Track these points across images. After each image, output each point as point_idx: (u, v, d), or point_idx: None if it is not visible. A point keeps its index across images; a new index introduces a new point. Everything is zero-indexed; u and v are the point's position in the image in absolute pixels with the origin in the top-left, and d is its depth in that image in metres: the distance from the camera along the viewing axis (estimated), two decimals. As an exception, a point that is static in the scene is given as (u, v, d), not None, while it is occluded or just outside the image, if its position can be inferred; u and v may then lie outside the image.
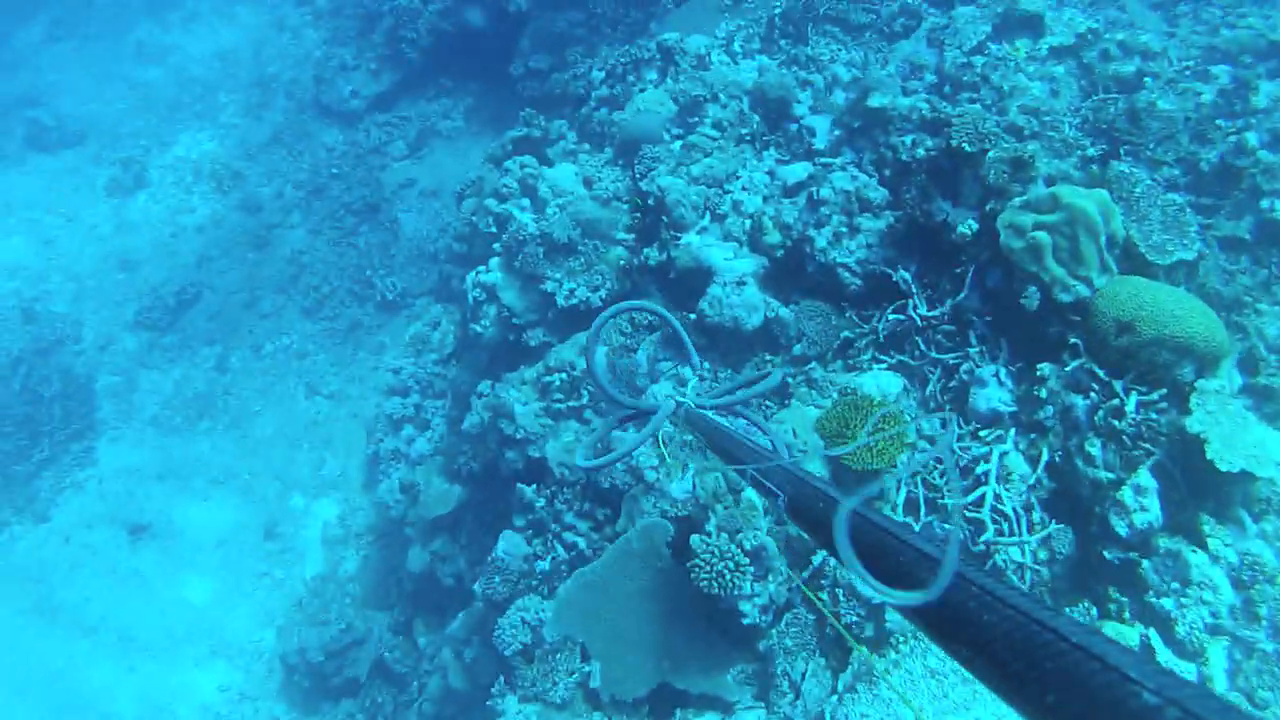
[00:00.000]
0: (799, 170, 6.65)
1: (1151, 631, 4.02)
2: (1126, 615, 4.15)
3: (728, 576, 4.48)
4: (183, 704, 9.44)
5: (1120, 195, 5.01)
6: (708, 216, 6.62)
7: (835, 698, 4.58)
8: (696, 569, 4.55)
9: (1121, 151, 6.01)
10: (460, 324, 9.62)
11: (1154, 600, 4.08)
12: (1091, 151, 5.70)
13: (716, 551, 4.53)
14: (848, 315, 5.89)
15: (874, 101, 6.52)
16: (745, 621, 4.74)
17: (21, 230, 13.05)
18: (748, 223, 6.55)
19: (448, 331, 9.53)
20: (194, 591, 10.07)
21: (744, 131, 7.12)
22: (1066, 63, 7.07)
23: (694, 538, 4.75)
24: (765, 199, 6.65)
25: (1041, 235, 4.64)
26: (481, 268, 7.80)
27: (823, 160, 6.73)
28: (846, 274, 5.87)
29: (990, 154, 5.06)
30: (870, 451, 4.67)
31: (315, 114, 13.65)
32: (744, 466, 1.99)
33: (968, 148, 5.00)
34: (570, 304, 7.25)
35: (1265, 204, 5.41)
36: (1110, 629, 4.08)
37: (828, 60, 7.76)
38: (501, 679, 5.99)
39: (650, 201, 6.94)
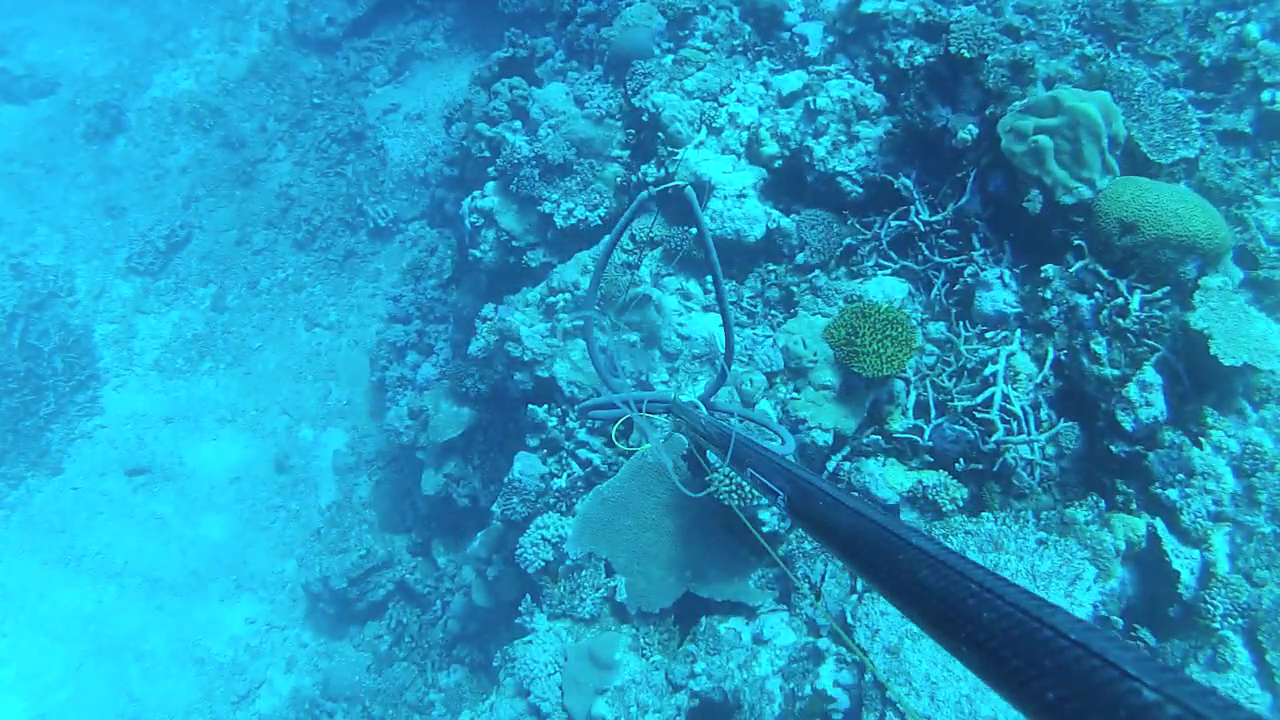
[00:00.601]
0: (794, 80, 6.60)
1: (1158, 521, 4.20)
2: (1134, 506, 4.32)
3: (747, 488, 4.62)
4: (213, 638, 9.71)
5: (1121, 95, 5.01)
6: (704, 130, 6.59)
7: (855, 597, 4.78)
8: (715, 484, 4.69)
9: (1119, 48, 5.98)
10: (457, 248, 9.60)
11: (1160, 491, 4.25)
12: (1090, 50, 5.66)
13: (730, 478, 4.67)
14: (850, 223, 5.93)
15: (867, 7, 6.44)
16: (764, 529, 4.91)
17: (2, 185, 12.82)
18: (745, 135, 6.52)
19: (445, 257, 9.51)
20: (212, 529, 10.25)
21: (736, 42, 7.03)
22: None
23: (711, 453, 4.88)
24: (761, 110, 6.62)
25: (1043, 139, 4.67)
26: (477, 193, 7.76)
27: (816, 69, 6.67)
28: (847, 182, 5.89)
29: (989, 58, 5.04)
30: (880, 358, 4.77)
31: (292, 44, 13.32)
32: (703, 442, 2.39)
33: (966, 53, 4.97)
34: (569, 224, 7.26)
35: (1266, 96, 5.41)
36: (1118, 520, 4.26)
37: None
38: (528, 596, 6.20)
39: (644, 118, 6.88)
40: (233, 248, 11.68)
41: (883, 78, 6.36)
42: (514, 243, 7.55)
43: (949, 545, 3.88)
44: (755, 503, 4.84)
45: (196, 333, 11.27)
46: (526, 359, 7.00)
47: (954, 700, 4.21)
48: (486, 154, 7.78)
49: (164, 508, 10.29)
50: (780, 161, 6.32)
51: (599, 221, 7.14)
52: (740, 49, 7.02)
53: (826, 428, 4.94)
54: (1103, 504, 4.42)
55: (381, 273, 11.56)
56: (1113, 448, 4.43)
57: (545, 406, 6.94)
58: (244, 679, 9.53)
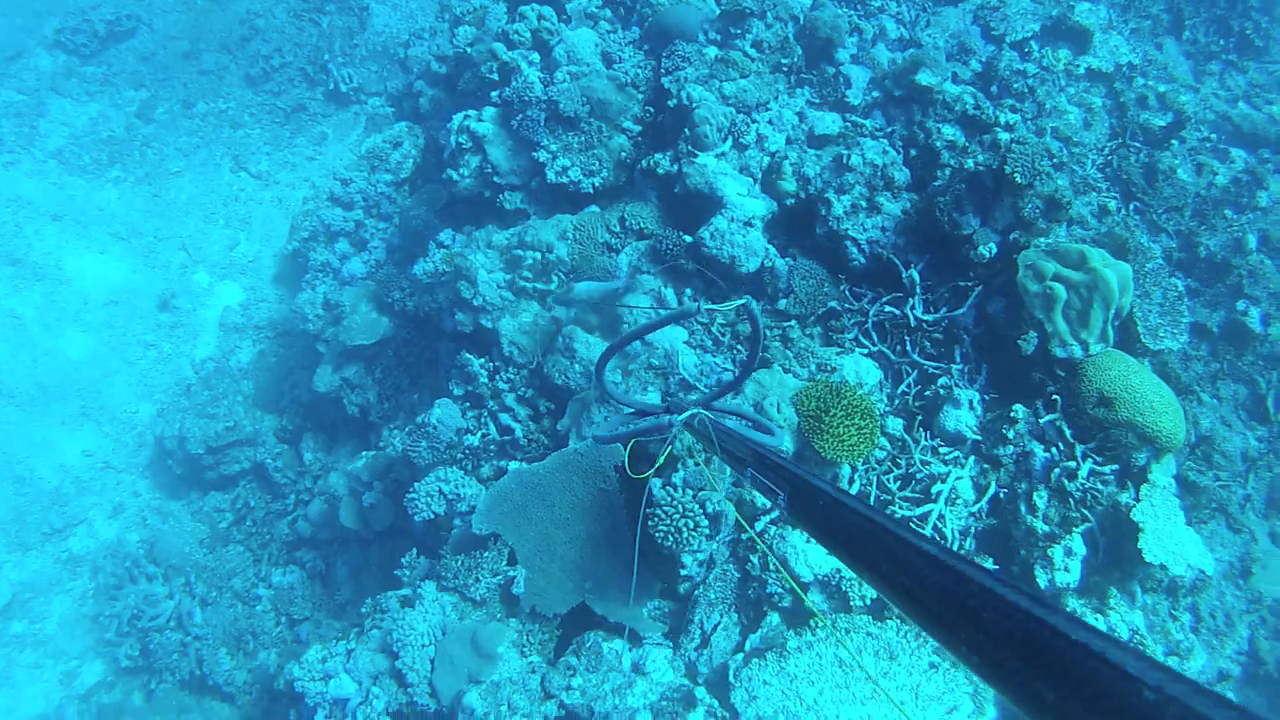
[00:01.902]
0: (829, 122, 6.52)
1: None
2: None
3: (684, 534, 4.62)
4: (43, 460, 9.09)
5: (1135, 264, 5.19)
6: (729, 142, 6.44)
7: (740, 656, 4.88)
8: (655, 519, 4.66)
9: (1131, 207, 6.18)
10: (424, 151, 9.12)
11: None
12: (1112, 205, 5.84)
13: (680, 508, 4.64)
14: (841, 288, 5.95)
15: (923, 78, 6.40)
16: (684, 573, 4.94)
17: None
18: (766, 160, 6.42)
19: (409, 155, 9.02)
20: (73, 347, 9.53)
21: (784, 60, 6.87)
22: (1099, 89, 7.11)
23: (656, 486, 4.85)
24: (789, 141, 6.52)
25: (1059, 288, 4.78)
26: (473, 114, 7.36)
27: (854, 118, 6.61)
28: (854, 249, 5.89)
29: (1034, 186, 5.11)
30: (842, 443, 4.83)
31: None
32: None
33: (1019, 179, 5.02)
34: (560, 181, 6.98)
35: (1240, 305, 5.73)
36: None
37: (877, 8, 7.51)
38: (415, 552, 6.06)
39: (672, 103, 6.66)
40: (179, 59, 10.71)
41: (913, 152, 6.38)
42: (496, 178, 7.22)
43: (853, 635, 3.97)
44: (687, 549, 4.85)
45: (113, 134, 10.33)
46: (476, 304, 6.75)
47: (812, 790, 4.38)
48: (495, 77, 7.37)
49: (25, 309, 9.48)
50: (793, 200, 6.26)
51: (590, 190, 6.90)
52: (785, 69, 6.88)
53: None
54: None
55: (327, 137, 10.88)
56: (1024, 599, 4.66)
57: (482, 360, 6.74)
58: (63, 512, 8.99)
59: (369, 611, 5.61)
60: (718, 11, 7.10)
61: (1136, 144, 6.66)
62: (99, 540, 8.97)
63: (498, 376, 6.69)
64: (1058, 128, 6.52)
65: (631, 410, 3.57)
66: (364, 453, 7.80)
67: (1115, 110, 6.94)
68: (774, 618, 4.98)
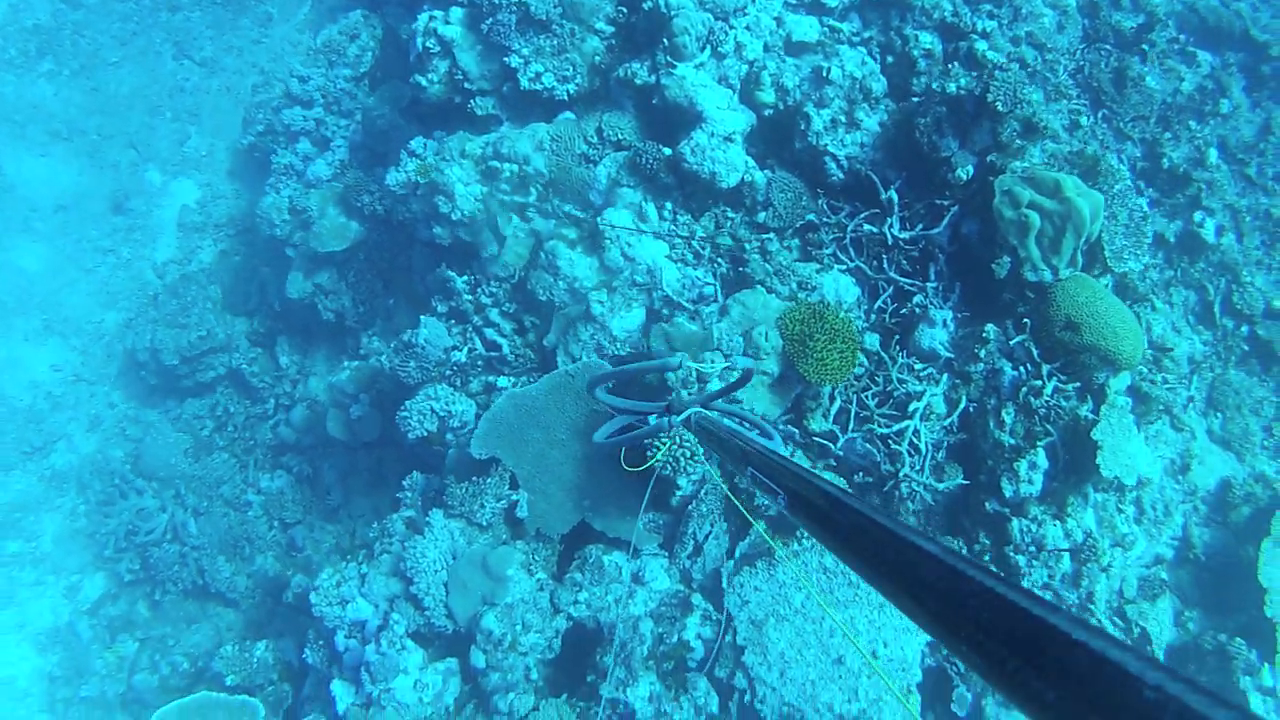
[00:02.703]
0: (807, 28, 6.63)
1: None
2: (986, 558, 5.22)
3: (682, 463, 5.11)
4: (10, 379, 9.26)
5: (1100, 186, 5.56)
6: (708, 51, 6.56)
7: (732, 563, 5.47)
8: (655, 449, 5.13)
9: (1099, 114, 6.50)
10: (383, 43, 9.00)
11: (1010, 553, 5.14)
12: (1084, 120, 6.14)
13: (672, 436, 5.11)
14: (820, 202, 6.26)
15: (902, -19, 6.52)
16: (679, 492, 5.45)
17: None
18: (744, 69, 6.57)
19: (367, 48, 8.91)
20: (26, 258, 9.54)
21: (759, -42, 6.90)
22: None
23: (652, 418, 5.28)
24: (767, 49, 6.65)
25: (1033, 215, 5.16)
26: (439, 14, 7.31)
27: (832, 22, 6.73)
28: (833, 164, 6.17)
29: (1014, 113, 5.40)
30: (824, 367, 5.28)
31: None
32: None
33: (1000, 106, 5.29)
34: (533, 88, 7.07)
35: (1198, 216, 6.16)
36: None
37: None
38: (415, 474, 6.49)
39: (647, 5, 6.71)
40: (102, -65, 10.24)
41: (890, 59, 6.57)
42: (466, 84, 7.27)
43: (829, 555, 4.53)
44: (680, 473, 5.35)
45: (39, 23, 9.97)
46: (455, 218, 6.95)
47: (800, 681, 5.06)
48: (460, -26, 7.29)
49: (-31, 220, 9.43)
50: (771, 112, 6.46)
51: (565, 97, 7.00)
52: (761, -32, 6.91)
53: (756, 412, 5.46)
54: (963, 549, 5.29)
55: (272, 18, 10.59)
56: (987, 504, 5.26)
57: (465, 276, 7.00)
58: (40, 429, 9.27)
59: (376, 536, 6.09)
60: (690, -99, 7.03)
61: (1108, 46, 6.89)
62: (80, 454, 9.30)
63: (479, 290, 6.98)
64: (1033, 32, 6.70)
65: (632, 413, 3.66)
66: (346, 363, 8.12)
67: (1089, 9, 7.13)
68: (760, 524, 5.55)
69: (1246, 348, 6.60)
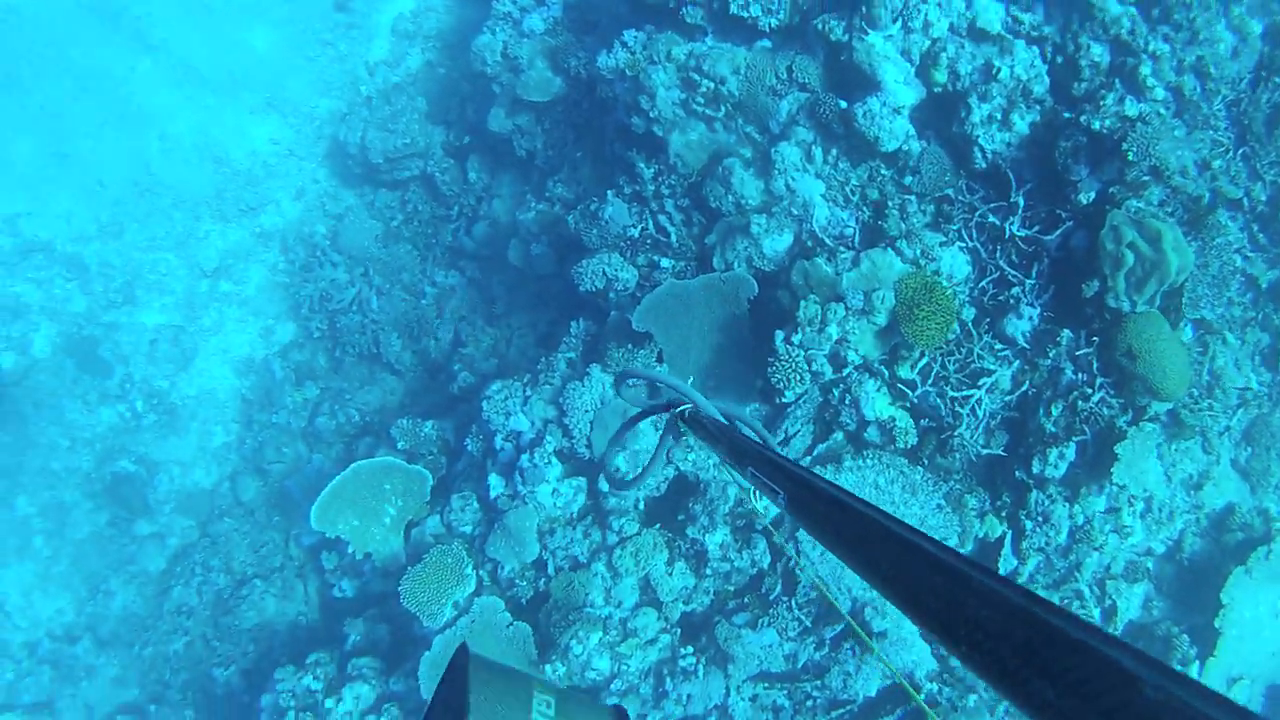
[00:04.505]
0: (993, 16, 7.96)
1: (1010, 533, 7.17)
2: (1003, 515, 7.24)
3: (792, 381, 7.15)
4: (235, 145, 11.59)
5: (1205, 239, 7.10)
6: (899, 25, 8.00)
7: (809, 459, 7.61)
8: (774, 366, 7.16)
9: (1240, 152, 7.85)
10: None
11: (1022, 516, 7.16)
12: (1216, 162, 7.50)
13: (792, 363, 7.13)
14: (960, 181, 7.89)
15: (1090, -9, 7.76)
16: (783, 400, 7.53)
17: None
18: (926, 45, 8.01)
19: (594, -88, 10.35)
20: (257, 38, 11.61)
21: (970, -65, 8.13)
22: (1273, 9, 8.29)
23: (779, 339, 7.28)
24: (951, 28, 8.05)
25: (1128, 254, 6.78)
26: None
27: (1015, 10, 8.04)
28: (979, 154, 7.74)
29: (1142, 164, 6.89)
30: (923, 334, 7.15)
31: None
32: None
33: (1131, 156, 6.79)
34: (739, 14, 8.58)
35: (1310, 269, 7.63)
36: (990, 519, 7.20)
37: None
38: (581, 320, 8.66)
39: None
40: None
41: (1059, 59, 7.93)
42: (682, -8, 8.83)
43: (890, 470, 6.69)
44: (789, 387, 7.40)
45: None
46: (651, 115, 8.73)
47: (834, 562, 7.31)
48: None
49: (213, -1, 11.48)
50: (940, 90, 7.97)
51: (766, 29, 8.52)
52: (969, -56, 8.16)
53: (860, 351, 7.42)
54: (987, 502, 7.32)
55: None
56: (1017, 472, 7.24)
57: (651, 167, 8.85)
58: (255, 192, 11.68)
59: (542, 369, 8.36)
60: None
61: (1277, 79, 8.05)
62: (286, 219, 11.73)
63: (660, 181, 8.86)
64: (1203, 58, 7.91)
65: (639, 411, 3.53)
66: (533, 203, 10.16)
67: (1272, 36, 8.22)
68: (839, 435, 7.63)
69: (1301, 395, 8.13)
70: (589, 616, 7.58)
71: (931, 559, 1.18)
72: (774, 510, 7.60)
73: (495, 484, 8.36)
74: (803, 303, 7.44)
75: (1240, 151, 7.89)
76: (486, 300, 11.04)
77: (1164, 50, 7.67)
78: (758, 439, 2.70)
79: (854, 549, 1.39)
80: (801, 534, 7.55)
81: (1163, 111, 7.26)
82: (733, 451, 2.29)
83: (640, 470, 3.56)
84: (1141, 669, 0.84)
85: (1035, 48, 7.94)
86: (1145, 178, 7.02)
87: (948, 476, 7.40)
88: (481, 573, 8.14)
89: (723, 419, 2.84)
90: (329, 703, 8.41)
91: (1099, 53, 7.71)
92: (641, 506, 7.97)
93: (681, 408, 3.00)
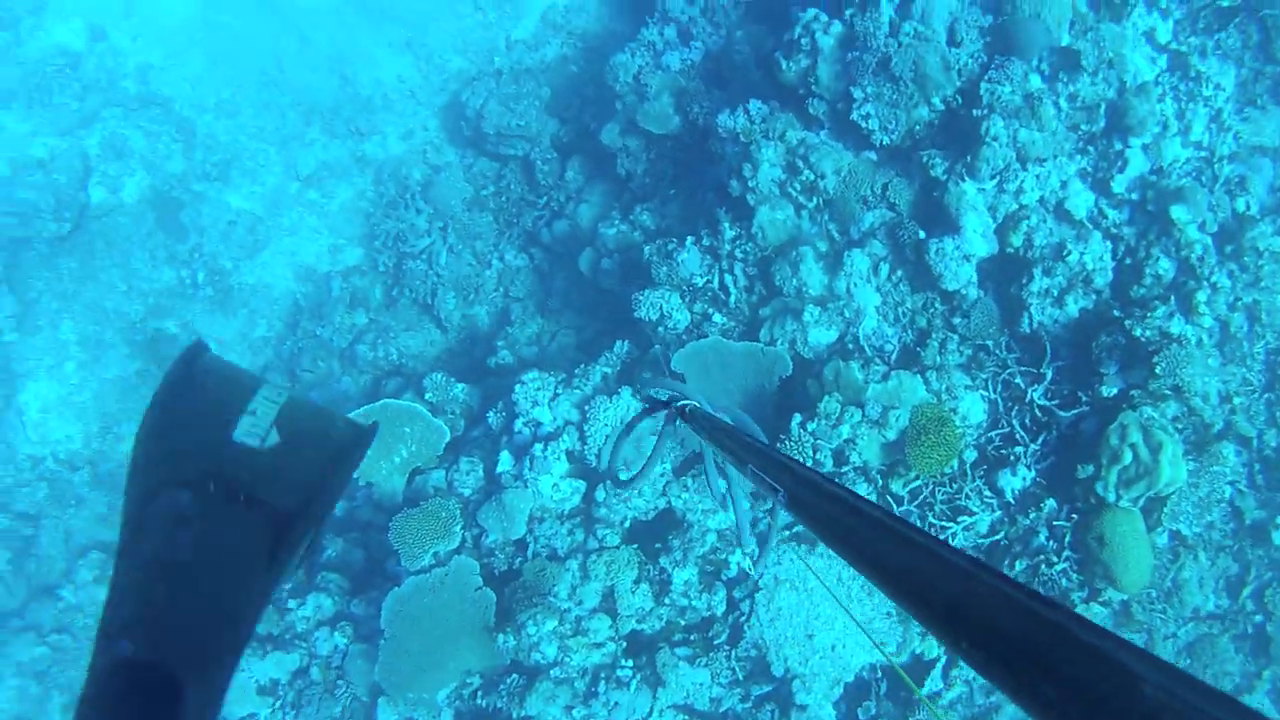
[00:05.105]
0: (1081, 202, 8.83)
1: (945, 659, 8.02)
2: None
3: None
4: (364, 70, 12.57)
5: (1205, 462, 7.94)
6: (995, 181, 8.85)
7: (789, 532, 8.44)
8: (783, 442, 8.00)
9: (1266, 397, 8.69)
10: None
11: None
12: (1237, 399, 8.34)
13: (800, 445, 7.99)
14: (1002, 338, 8.74)
15: (1175, 213, 8.55)
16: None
17: None
18: (1013, 207, 8.86)
19: (759, -21, 11.24)
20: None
21: (1083, 125, 8.99)
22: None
23: (795, 421, 8.13)
24: (1040, 200, 8.90)
25: (1127, 454, 7.62)
26: (822, 20, 9.63)
27: (1104, 204, 8.90)
28: (1026, 320, 8.60)
29: (1165, 380, 7.73)
30: (922, 460, 7.99)
31: None
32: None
33: (1158, 370, 7.61)
34: (857, 123, 9.45)
35: (1280, 522, 8.47)
36: (930, 640, 8.03)
37: (1201, 95, 9.32)
38: (623, 343, 9.52)
39: (975, 113, 8.92)
40: None
41: (1128, 261, 8.78)
42: (813, 85, 9.69)
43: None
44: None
45: None
46: (750, 184, 9.59)
47: (781, 628, 8.14)
48: (860, -1, 9.55)
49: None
50: (1011, 251, 8.82)
51: (877, 143, 9.38)
52: (1080, 133, 9.02)
53: (863, 456, 8.27)
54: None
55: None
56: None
57: (734, 230, 9.70)
58: (368, 119, 12.59)
59: (579, 374, 9.23)
60: (1063, 43, 9.07)
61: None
62: (388, 153, 12.64)
63: (737, 244, 9.72)
64: (1258, 302, 8.73)
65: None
66: (617, 221, 11.01)
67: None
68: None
69: (1250, 630, 8.93)
70: (550, 605, 8.43)
71: (935, 556, 1.21)
72: (758, 568, 8.46)
73: (504, 460, 9.22)
74: (826, 397, 8.29)
75: (1266, 396, 8.72)
76: (545, 291, 11.91)
77: (1225, 284, 8.48)
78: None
79: (857, 546, 1.41)
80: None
81: (1206, 339, 8.08)
82: (732, 448, 2.33)
83: (641, 469, 3.78)
84: (1146, 669, 0.86)
85: (1110, 243, 8.80)
86: (1167, 392, 7.85)
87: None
88: (467, 535, 8.99)
89: (727, 420, 2.96)
90: (292, 603, 9.28)
91: (1166, 267, 8.55)
92: (628, 525, 8.82)
93: (682, 402, 3.08)
